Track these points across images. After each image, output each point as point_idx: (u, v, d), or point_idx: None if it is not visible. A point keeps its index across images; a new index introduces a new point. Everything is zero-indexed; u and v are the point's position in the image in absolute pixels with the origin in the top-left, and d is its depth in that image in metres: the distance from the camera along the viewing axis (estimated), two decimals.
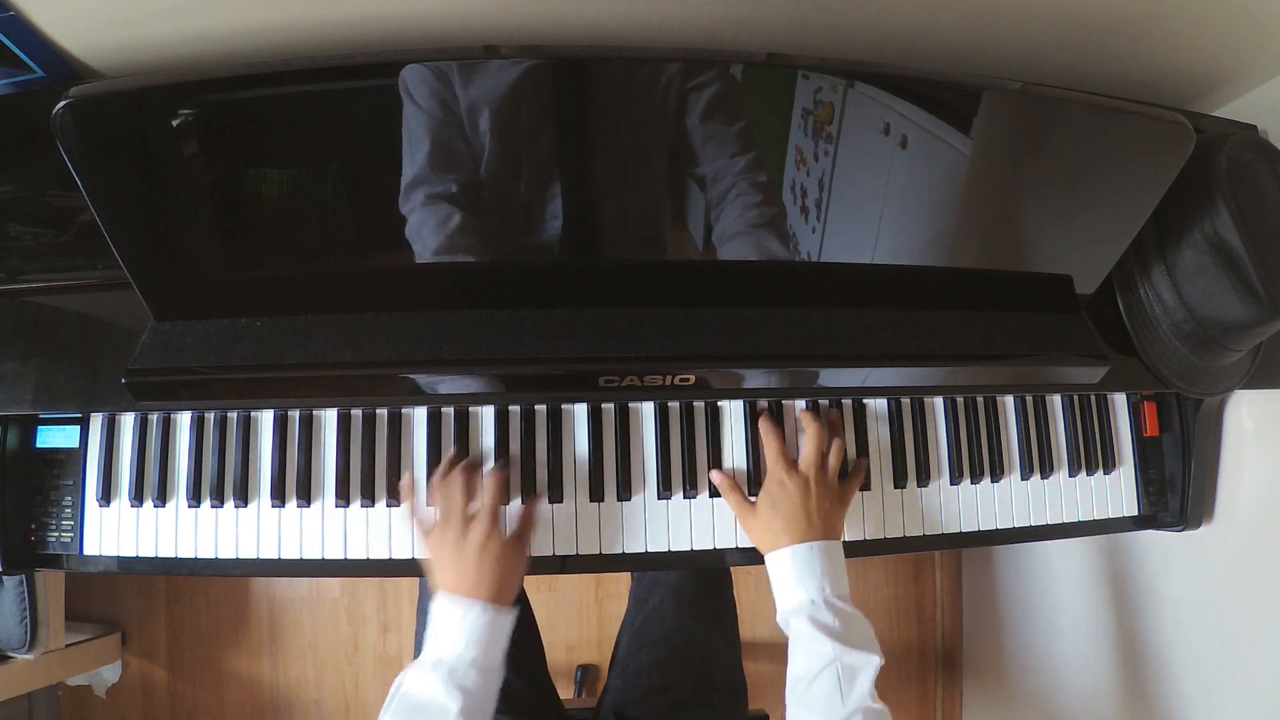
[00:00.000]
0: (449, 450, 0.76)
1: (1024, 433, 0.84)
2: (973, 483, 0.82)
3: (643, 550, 0.77)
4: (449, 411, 0.77)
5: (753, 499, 0.74)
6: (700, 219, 0.63)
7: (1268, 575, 0.86)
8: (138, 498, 0.75)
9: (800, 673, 0.64)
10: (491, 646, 0.65)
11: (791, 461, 0.73)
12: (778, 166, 0.62)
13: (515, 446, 0.77)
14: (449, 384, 0.69)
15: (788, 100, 0.59)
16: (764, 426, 0.76)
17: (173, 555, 0.75)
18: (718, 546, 0.77)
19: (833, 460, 0.73)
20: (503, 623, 0.66)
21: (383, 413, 0.77)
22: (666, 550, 0.77)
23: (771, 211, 0.63)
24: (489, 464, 0.76)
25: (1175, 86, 0.86)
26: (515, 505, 0.75)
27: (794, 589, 0.66)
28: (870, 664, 0.62)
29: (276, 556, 0.75)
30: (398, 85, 0.55)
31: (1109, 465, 0.86)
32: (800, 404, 0.80)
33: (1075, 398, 0.86)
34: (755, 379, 0.73)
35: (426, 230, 0.61)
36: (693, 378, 0.67)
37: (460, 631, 0.64)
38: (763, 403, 0.79)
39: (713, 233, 0.63)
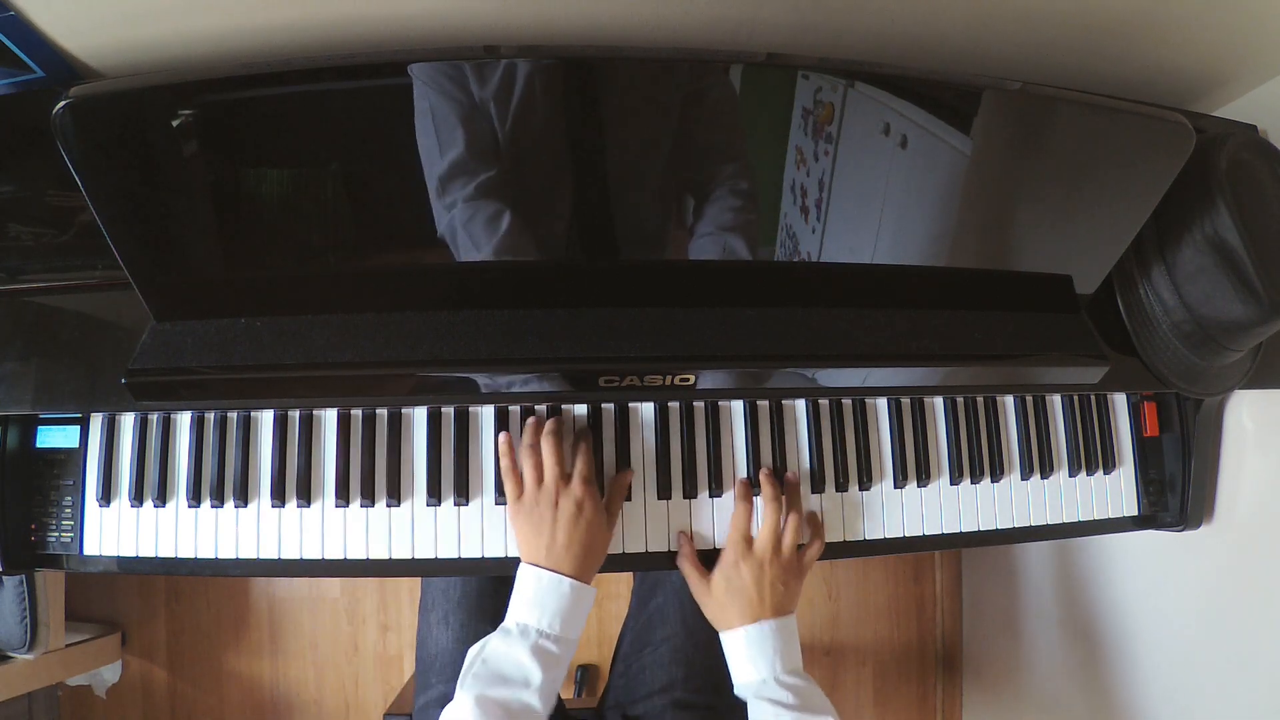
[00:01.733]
0: (449, 449, 0.76)
1: (1024, 433, 0.84)
2: (973, 483, 0.82)
3: (643, 550, 0.77)
4: (449, 411, 0.77)
5: (710, 570, 0.74)
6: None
7: (1268, 575, 0.86)
8: (138, 498, 0.75)
9: None
10: (574, 623, 0.67)
11: (750, 541, 0.73)
12: (777, 166, 0.62)
13: None
14: (450, 384, 0.69)
15: (788, 100, 0.59)
16: (738, 496, 0.75)
17: (173, 555, 0.75)
18: (718, 547, 0.77)
19: (788, 538, 0.73)
20: (587, 598, 0.68)
21: (383, 413, 0.77)
22: (667, 550, 0.77)
23: (748, 217, 0.63)
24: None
25: (1175, 86, 0.86)
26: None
27: (748, 667, 0.69)
28: None
29: (276, 556, 0.75)
30: (397, 86, 0.55)
31: (1109, 465, 0.86)
32: (800, 404, 0.80)
33: (1075, 398, 0.86)
34: (755, 379, 0.73)
35: (475, 229, 0.61)
36: (692, 378, 0.67)
37: (546, 605, 0.65)
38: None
39: (692, 232, 0.64)
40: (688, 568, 0.75)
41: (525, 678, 0.63)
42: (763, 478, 0.76)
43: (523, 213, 0.61)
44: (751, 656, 0.68)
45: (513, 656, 0.64)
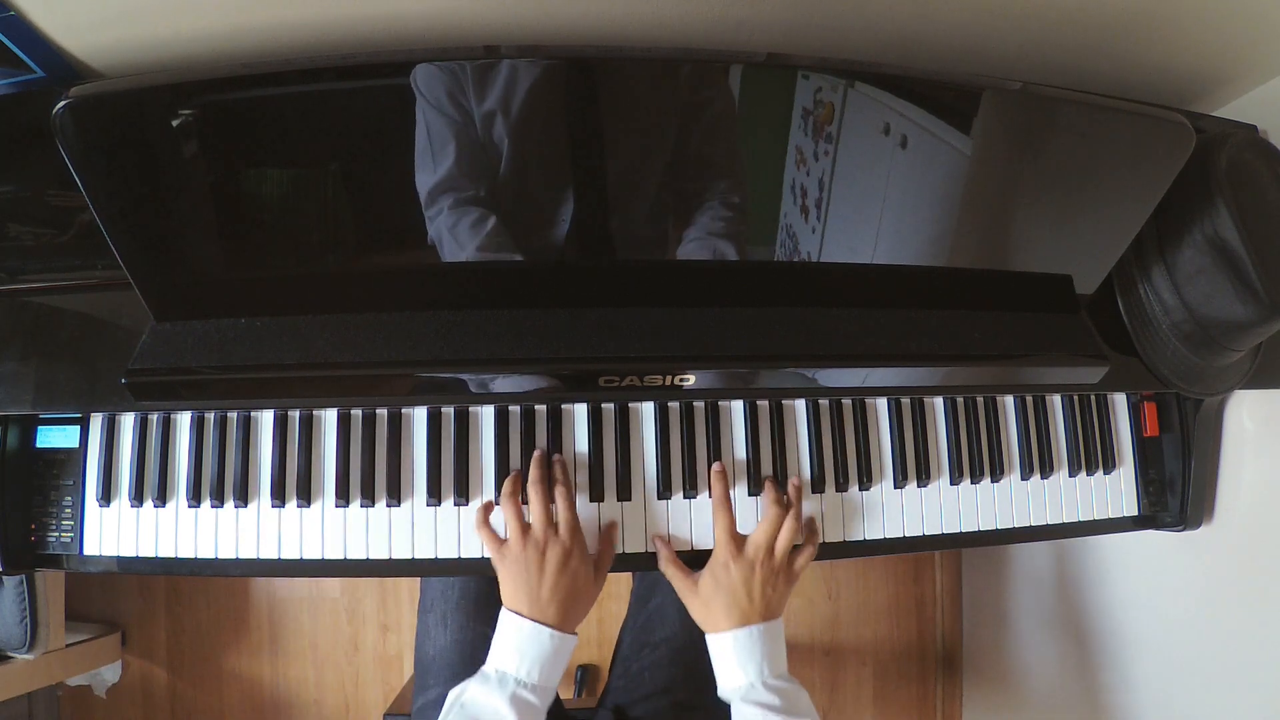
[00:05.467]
0: (449, 449, 0.76)
1: (1024, 433, 0.84)
2: (973, 483, 0.82)
3: (642, 550, 0.77)
4: (449, 411, 0.77)
5: (697, 572, 0.74)
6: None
7: (1268, 575, 0.86)
8: (138, 498, 0.75)
9: None
10: (554, 672, 0.67)
11: (741, 540, 0.72)
12: (777, 166, 0.62)
13: (516, 447, 0.77)
14: (450, 384, 0.69)
15: (788, 100, 0.59)
16: (715, 500, 0.75)
17: (173, 555, 0.75)
18: None
19: (782, 543, 0.71)
20: (568, 649, 0.68)
21: (383, 413, 0.77)
22: None
23: (738, 227, 0.63)
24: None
25: (1175, 86, 0.86)
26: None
27: (735, 671, 0.68)
28: None
29: (276, 556, 0.75)
30: (398, 86, 0.55)
31: (1109, 465, 0.86)
32: (800, 404, 0.80)
33: (1075, 398, 0.86)
34: (755, 379, 0.73)
35: (461, 232, 0.61)
36: (692, 377, 0.67)
37: (528, 654, 0.66)
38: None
39: (683, 238, 0.64)
40: (670, 570, 0.74)
41: None
42: (767, 484, 0.76)
43: (514, 217, 0.61)
44: (740, 661, 0.68)
45: (491, 705, 0.64)
